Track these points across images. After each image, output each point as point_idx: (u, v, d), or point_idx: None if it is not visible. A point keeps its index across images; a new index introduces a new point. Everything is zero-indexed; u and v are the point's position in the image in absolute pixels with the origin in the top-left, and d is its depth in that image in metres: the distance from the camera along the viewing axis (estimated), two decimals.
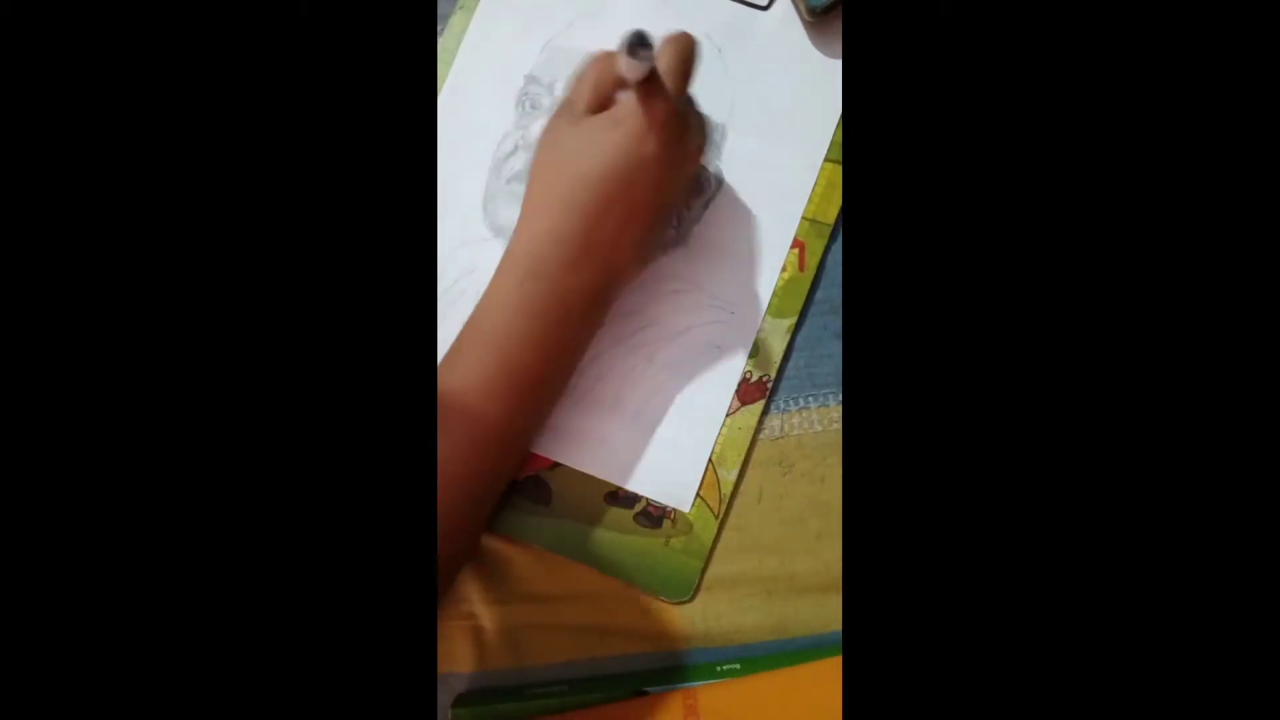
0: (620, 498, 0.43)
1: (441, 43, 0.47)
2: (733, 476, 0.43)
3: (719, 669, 0.40)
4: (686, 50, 0.38)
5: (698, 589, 0.43)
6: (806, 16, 0.45)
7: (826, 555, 0.42)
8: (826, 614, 0.42)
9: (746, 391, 0.44)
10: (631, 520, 0.43)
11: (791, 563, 0.43)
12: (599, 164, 0.37)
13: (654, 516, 0.43)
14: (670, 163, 0.38)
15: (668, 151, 0.37)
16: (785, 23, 0.46)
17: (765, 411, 0.44)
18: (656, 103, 0.36)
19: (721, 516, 0.43)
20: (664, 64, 0.37)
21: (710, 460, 0.43)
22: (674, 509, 0.43)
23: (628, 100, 0.37)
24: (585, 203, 0.37)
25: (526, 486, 0.44)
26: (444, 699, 0.41)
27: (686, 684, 0.39)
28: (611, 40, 0.45)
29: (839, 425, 0.44)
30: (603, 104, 0.38)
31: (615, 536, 0.43)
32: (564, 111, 0.40)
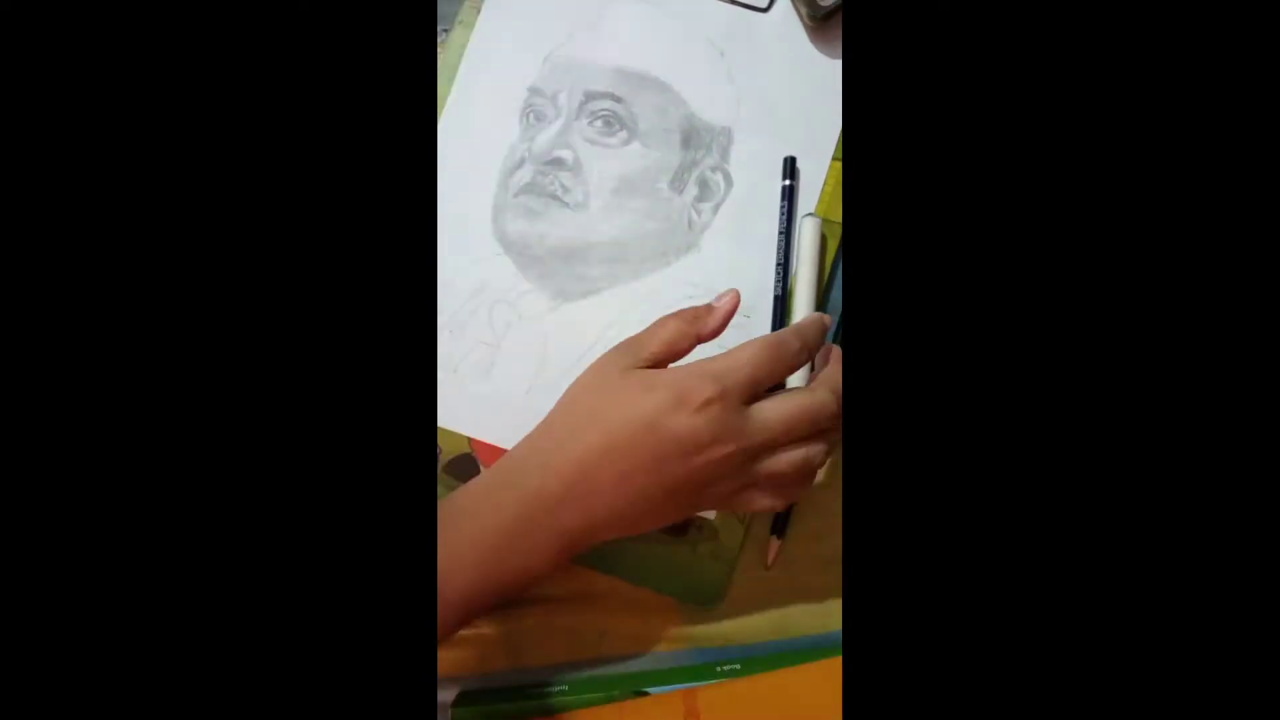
0: None
1: (442, 59, 0.47)
2: None
3: (719, 669, 0.40)
4: (786, 353, 0.36)
5: (726, 593, 0.43)
6: (808, 21, 0.45)
7: (826, 555, 0.42)
8: (826, 614, 0.42)
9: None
10: (657, 529, 0.43)
11: (791, 563, 0.43)
12: (617, 415, 0.35)
13: (679, 525, 0.43)
14: (684, 449, 0.35)
15: (688, 434, 0.34)
16: (786, 24, 0.46)
17: None
18: (707, 384, 0.34)
19: (748, 520, 0.43)
20: (750, 359, 0.35)
21: None
22: (699, 516, 0.43)
23: (674, 369, 0.36)
24: (587, 443, 0.35)
25: None
26: (445, 699, 0.41)
27: (686, 684, 0.39)
28: (610, 49, 0.46)
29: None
30: (667, 360, 0.37)
31: (642, 546, 0.43)
32: (624, 351, 0.38)
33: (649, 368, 0.37)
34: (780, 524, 0.43)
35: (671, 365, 0.37)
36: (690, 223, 0.45)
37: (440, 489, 0.44)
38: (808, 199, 0.45)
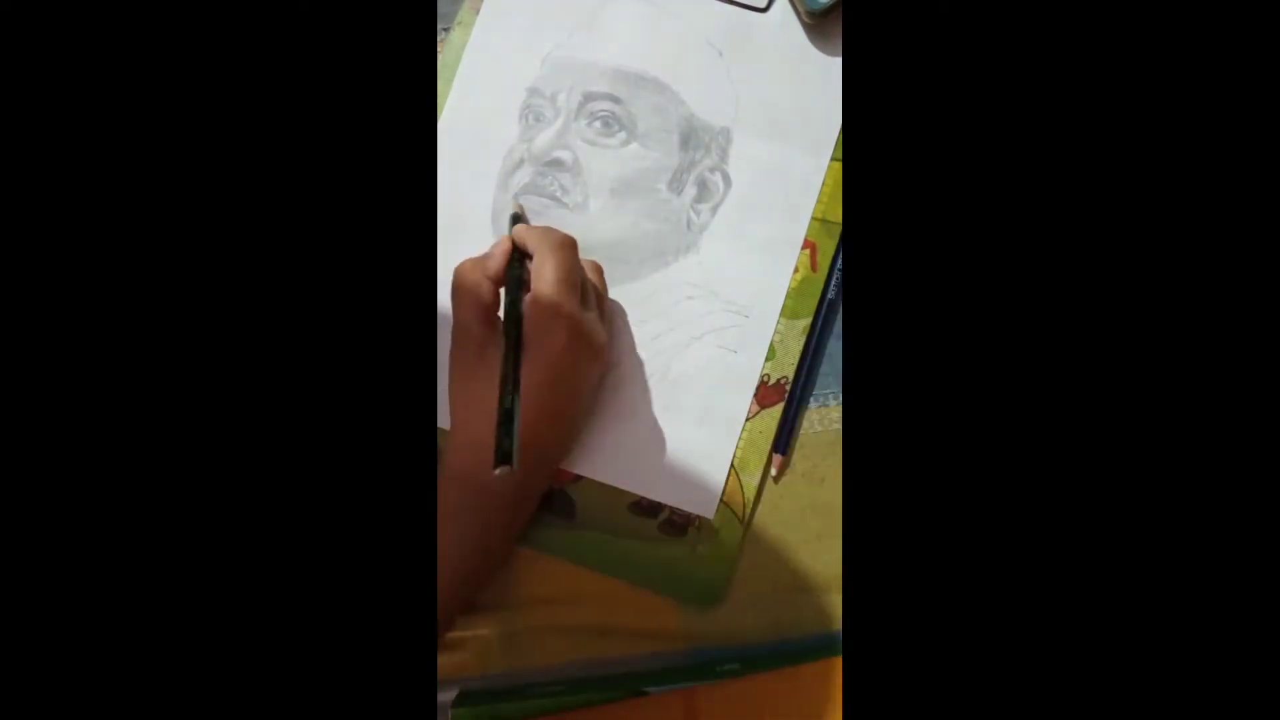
0: (644, 508, 0.44)
1: (442, 60, 0.47)
2: (755, 481, 0.43)
3: (719, 669, 0.40)
4: (560, 266, 0.39)
5: (727, 593, 0.43)
6: (805, 19, 0.45)
7: (826, 555, 0.43)
8: (826, 614, 0.42)
9: (765, 395, 0.44)
10: (656, 530, 0.43)
11: (791, 563, 0.43)
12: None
13: (678, 525, 0.43)
14: (581, 369, 0.40)
15: (578, 361, 0.39)
16: (784, 24, 0.46)
17: (786, 412, 0.44)
18: (557, 323, 0.38)
19: (747, 521, 0.43)
20: (546, 279, 0.38)
21: (732, 465, 0.43)
22: (698, 516, 0.43)
23: (529, 330, 0.38)
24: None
25: (550, 501, 0.44)
26: (445, 699, 0.41)
27: (686, 684, 0.39)
28: (608, 49, 0.46)
29: (839, 425, 0.44)
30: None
31: (641, 546, 0.43)
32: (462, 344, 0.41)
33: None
34: (781, 443, 0.43)
35: None
36: (689, 223, 0.45)
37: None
38: (807, 199, 0.45)
